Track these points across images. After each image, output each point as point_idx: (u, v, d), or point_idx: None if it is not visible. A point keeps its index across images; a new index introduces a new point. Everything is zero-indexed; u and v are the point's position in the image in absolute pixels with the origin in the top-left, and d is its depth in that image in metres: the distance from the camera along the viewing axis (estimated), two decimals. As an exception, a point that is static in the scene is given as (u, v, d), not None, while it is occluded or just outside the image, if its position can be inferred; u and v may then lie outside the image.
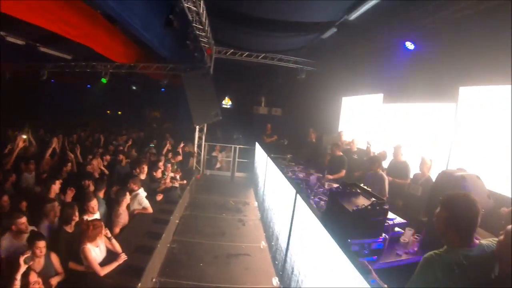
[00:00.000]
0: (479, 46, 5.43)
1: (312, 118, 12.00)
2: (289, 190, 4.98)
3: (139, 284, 3.82)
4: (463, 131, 5.86)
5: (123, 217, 5.39)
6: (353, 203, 3.90)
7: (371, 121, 8.98)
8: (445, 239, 2.26)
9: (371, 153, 7.09)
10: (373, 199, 3.94)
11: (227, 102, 17.53)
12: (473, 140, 5.59)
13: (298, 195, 4.50)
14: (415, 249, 3.98)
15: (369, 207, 3.67)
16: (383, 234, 3.78)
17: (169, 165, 8.13)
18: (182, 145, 10.02)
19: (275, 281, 5.10)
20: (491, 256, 2.12)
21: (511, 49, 4.55)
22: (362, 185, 4.49)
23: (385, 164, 6.72)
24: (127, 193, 5.51)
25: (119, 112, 22.08)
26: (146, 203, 6.02)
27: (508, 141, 4.75)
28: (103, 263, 4.05)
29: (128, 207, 5.72)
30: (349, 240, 3.03)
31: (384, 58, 8.13)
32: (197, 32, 8.28)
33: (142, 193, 6.11)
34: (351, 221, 3.59)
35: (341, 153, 7.64)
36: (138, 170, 6.87)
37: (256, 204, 9.07)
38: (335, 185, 5.35)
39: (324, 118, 11.67)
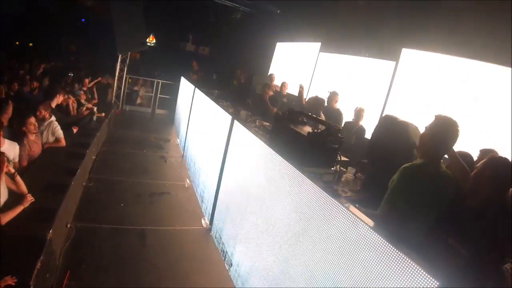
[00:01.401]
0: (427, 12, 5.50)
1: (242, 60, 11.26)
2: (223, 118, 4.48)
3: (50, 231, 2.98)
4: (398, 89, 5.95)
5: (33, 149, 4.32)
6: (303, 129, 3.44)
7: (306, 69, 8.56)
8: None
9: (303, 98, 6.65)
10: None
11: (151, 41, 15.75)
12: (407, 99, 5.71)
13: (235, 121, 4.04)
14: (357, 188, 3.68)
15: (325, 132, 3.23)
16: (335, 165, 3.44)
17: (81, 92, 6.96)
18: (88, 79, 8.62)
19: (204, 221, 4.59)
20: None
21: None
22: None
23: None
24: (33, 118, 4.36)
25: (30, 44, 18.18)
26: (60, 133, 4.91)
27: (437, 104, 5.07)
28: (4, 208, 3.05)
29: (39, 138, 4.65)
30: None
31: (327, 6, 7.64)
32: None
33: (54, 122, 4.96)
34: (305, 146, 3.12)
35: (272, 93, 7.11)
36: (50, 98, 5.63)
37: (178, 141, 8.37)
38: (266, 123, 4.86)
39: (255, 61, 10.95)
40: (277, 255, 2.62)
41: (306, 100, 6.35)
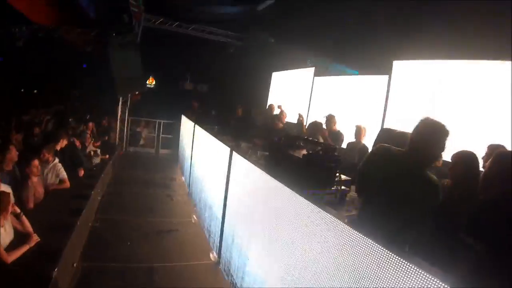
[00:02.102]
0: (412, 23, 5.54)
1: (240, 94, 11.45)
2: (222, 151, 4.49)
3: (56, 270, 2.95)
4: (395, 102, 5.96)
5: (37, 191, 4.35)
6: (299, 152, 3.44)
7: (303, 95, 8.69)
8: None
9: (303, 126, 6.71)
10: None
11: (151, 82, 16.09)
12: (405, 110, 5.69)
13: (233, 152, 4.05)
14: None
15: (321, 151, 3.24)
16: (335, 186, 3.39)
17: (87, 135, 7.06)
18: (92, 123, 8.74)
19: (212, 255, 4.51)
20: None
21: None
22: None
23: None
24: (36, 161, 4.41)
25: (34, 91, 18.37)
26: (64, 175, 4.96)
27: (434, 109, 4.99)
28: (10, 247, 3.07)
29: (43, 180, 4.68)
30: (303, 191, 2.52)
31: (318, 32, 7.85)
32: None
33: (58, 164, 5.02)
34: (302, 168, 3.11)
35: (282, 125, 7.15)
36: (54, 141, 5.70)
37: (183, 179, 8.37)
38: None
39: (253, 93, 11.14)
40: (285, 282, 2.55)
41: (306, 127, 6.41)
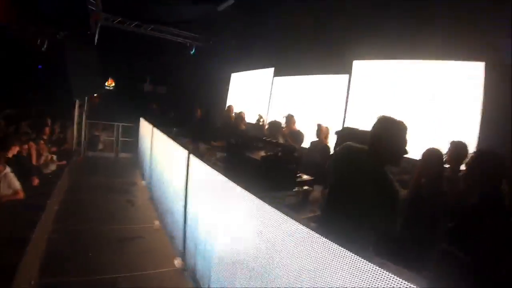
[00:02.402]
0: (372, 21, 5.73)
1: (200, 95, 11.39)
2: (180, 154, 4.44)
3: (10, 291, 2.80)
4: (355, 100, 6.16)
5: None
6: (257, 154, 3.43)
7: (262, 95, 8.75)
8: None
9: (264, 126, 6.75)
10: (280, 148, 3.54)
11: (110, 84, 15.64)
12: (365, 109, 5.90)
13: (190, 155, 3.98)
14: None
15: (280, 153, 3.27)
16: (296, 187, 3.42)
17: (41, 141, 6.74)
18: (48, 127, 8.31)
19: (177, 261, 4.44)
20: None
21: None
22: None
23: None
24: None
25: None
26: (16, 185, 4.69)
27: (393, 108, 5.26)
28: None
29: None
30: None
31: (278, 32, 7.91)
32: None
33: (10, 173, 4.73)
34: (260, 170, 3.12)
35: (244, 127, 7.15)
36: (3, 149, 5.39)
37: (144, 183, 8.20)
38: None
39: (212, 94, 11.17)
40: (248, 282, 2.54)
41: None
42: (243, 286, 2.60)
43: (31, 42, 10.72)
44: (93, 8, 8.47)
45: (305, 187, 3.81)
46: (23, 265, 3.21)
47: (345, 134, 4.09)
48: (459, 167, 3.24)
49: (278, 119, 6.07)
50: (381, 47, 5.59)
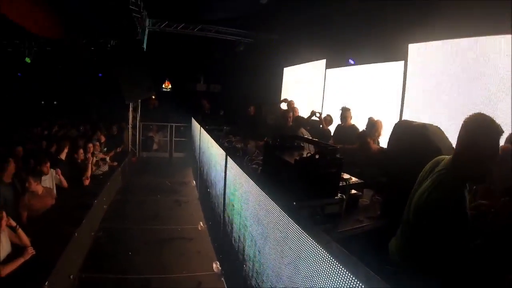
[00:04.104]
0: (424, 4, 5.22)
1: (253, 91, 11.39)
2: (219, 155, 4.37)
3: (46, 283, 2.96)
4: (414, 88, 5.64)
5: (37, 203, 4.43)
6: (295, 155, 3.07)
7: (316, 88, 8.60)
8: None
9: (322, 121, 6.56)
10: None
11: (167, 86, 16.25)
12: (425, 97, 5.37)
13: (228, 157, 3.82)
14: (378, 212, 3.30)
15: (317, 155, 2.86)
16: (339, 194, 3.01)
17: (94, 144, 7.12)
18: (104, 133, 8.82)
19: (216, 265, 4.42)
20: None
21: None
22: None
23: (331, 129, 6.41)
24: (30, 179, 4.48)
25: (54, 102, 17.28)
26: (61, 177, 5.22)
27: (456, 93, 4.74)
28: (6, 261, 3.15)
29: (49, 189, 4.81)
30: (294, 203, 2.24)
31: (326, 23, 7.67)
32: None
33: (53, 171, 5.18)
34: (294, 176, 2.77)
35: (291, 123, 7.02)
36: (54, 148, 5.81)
37: (194, 183, 8.35)
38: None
39: (265, 90, 11.08)
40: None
41: None
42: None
43: (83, 54, 11.54)
44: (138, 16, 8.79)
45: (352, 191, 3.48)
46: (64, 260, 3.42)
47: (402, 128, 3.70)
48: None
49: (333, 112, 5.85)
50: (437, 26, 5.02)
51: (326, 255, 1.55)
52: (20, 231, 3.43)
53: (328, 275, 1.52)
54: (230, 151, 4.17)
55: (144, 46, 9.91)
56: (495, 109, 4.23)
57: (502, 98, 4.23)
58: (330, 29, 7.62)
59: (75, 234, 3.94)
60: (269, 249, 2.38)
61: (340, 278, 1.44)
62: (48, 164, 5.05)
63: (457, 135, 1.99)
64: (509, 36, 4.18)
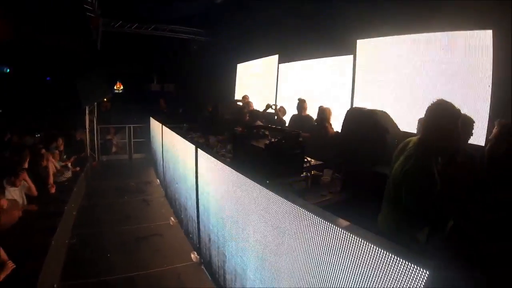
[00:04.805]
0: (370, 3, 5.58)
1: (207, 89, 11.44)
2: (189, 149, 4.46)
3: (34, 295, 2.95)
4: (362, 80, 6.10)
5: (3, 217, 4.27)
6: (262, 142, 3.45)
7: (268, 83, 8.85)
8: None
9: (278, 113, 6.81)
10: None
11: (119, 87, 15.81)
12: (373, 88, 5.85)
13: (198, 149, 4.00)
14: (338, 188, 3.67)
15: (283, 140, 3.28)
16: (304, 172, 3.43)
17: (53, 152, 6.92)
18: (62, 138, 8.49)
19: (194, 255, 4.55)
20: None
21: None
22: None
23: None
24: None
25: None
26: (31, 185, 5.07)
27: (399, 84, 5.29)
28: None
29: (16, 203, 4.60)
30: (267, 182, 2.47)
31: (278, 19, 7.89)
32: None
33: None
34: (265, 158, 3.14)
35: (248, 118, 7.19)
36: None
37: (158, 182, 8.34)
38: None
39: (219, 88, 11.21)
40: (261, 271, 2.61)
41: None
42: (254, 274, 2.68)
43: (38, 54, 10.96)
44: (92, 15, 8.52)
45: (314, 172, 3.84)
46: (45, 270, 3.37)
47: (353, 114, 4.06)
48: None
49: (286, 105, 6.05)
50: (384, 23, 5.45)
51: (307, 213, 1.93)
52: (-3, 246, 3.33)
53: (310, 228, 1.90)
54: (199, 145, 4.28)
55: (98, 46, 9.62)
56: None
57: (436, 86, 4.78)
58: (282, 25, 7.86)
59: (52, 243, 3.89)
60: (253, 226, 2.63)
61: (320, 227, 1.82)
62: (24, 174, 4.89)
63: (422, 118, 2.36)
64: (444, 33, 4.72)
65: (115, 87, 15.51)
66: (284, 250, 2.20)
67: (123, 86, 15.74)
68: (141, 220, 5.95)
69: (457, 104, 2.26)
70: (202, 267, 4.27)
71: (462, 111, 2.35)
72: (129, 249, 4.82)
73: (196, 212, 4.33)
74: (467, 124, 2.90)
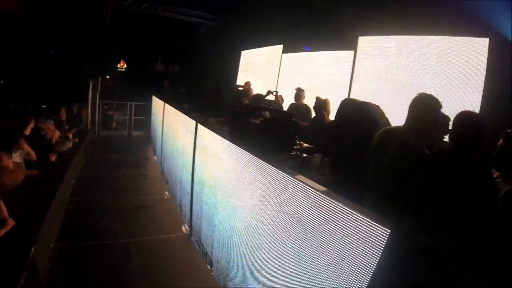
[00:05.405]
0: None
1: (210, 73, 11.45)
2: (189, 124, 4.63)
3: (32, 251, 3.06)
4: (360, 76, 6.18)
5: (8, 178, 4.36)
6: (259, 120, 3.56)
7: (271, 72, 8.90)
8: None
9: (278, 100, 6.88)
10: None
11: (122, 66, 15.70)
12: (370, 84, 5.93)
13: (198, 124, 4.18)
14: (327, 171, 3.79)
15: (277, 118, 3.44)
16: (294, 152, 3.57)
17: (57, 121, 7.00)
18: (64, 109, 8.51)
19: (184, 227, 4.70)
20: None
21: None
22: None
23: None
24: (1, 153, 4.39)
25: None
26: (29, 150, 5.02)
27: (396, 81, 5.40)
28: None
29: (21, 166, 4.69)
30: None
31: (286, 10, 7.92)
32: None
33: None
34: (260, 134, 3.23)
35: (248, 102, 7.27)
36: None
37: (156, 158, 8.45)
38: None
39: (223, 72, 11.21)
40: (248, 244, 2.73)
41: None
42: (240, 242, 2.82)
43: (43, 28, 10.86)
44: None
45: (305, 155, 3.96)
46: (43, 230, 3.48)
47: (347, 105, 4.15)
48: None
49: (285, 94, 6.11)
50: (387, 23, 5.55)
51: (296, 181, 2.09)
52: (0, 203, 3.43)
53: (298, 195, 2.05)
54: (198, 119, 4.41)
55: (106, 22, 9.60)
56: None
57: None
58: (289, 16, 7.87)
59: (51, 205, 4.00)
60: (250, 193, 2.75)
61: (301, 192, 2.01)
62: (23, 140, 4.96)
63: (407, 110, 2.51)
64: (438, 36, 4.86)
65: (118, 66, 15.43)
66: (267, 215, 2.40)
67: (126, 65, 15.65)
68: (137, 192, 6.10)
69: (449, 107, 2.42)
70: (192, 239, 4.41)
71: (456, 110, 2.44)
72: (124, 218, 4.95)
73: (191, 184, 4.46)
74: (445, 120, 3.02)
